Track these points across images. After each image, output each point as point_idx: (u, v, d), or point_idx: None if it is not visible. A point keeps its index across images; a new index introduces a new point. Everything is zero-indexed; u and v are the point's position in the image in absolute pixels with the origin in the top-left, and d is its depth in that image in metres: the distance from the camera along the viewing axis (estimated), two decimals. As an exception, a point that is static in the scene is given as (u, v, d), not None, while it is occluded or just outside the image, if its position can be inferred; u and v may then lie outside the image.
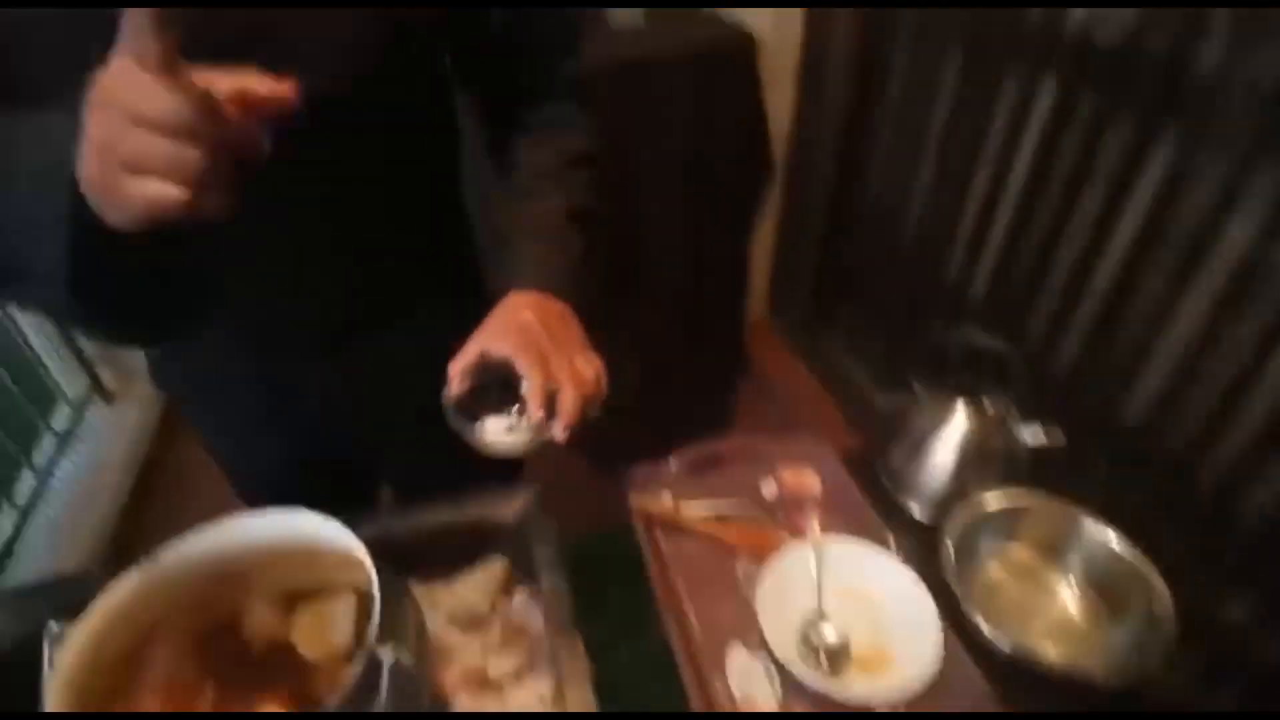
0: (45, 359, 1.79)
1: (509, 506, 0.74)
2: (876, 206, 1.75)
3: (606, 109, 1.44)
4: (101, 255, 0.46)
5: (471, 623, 0.73)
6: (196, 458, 0.90)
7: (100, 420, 1.88)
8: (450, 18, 0.69)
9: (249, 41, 0.56)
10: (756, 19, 1.69)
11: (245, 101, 0.42)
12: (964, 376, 0.98)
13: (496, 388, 0.65)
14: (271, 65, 0.57)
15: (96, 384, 1.91)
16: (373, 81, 0.64)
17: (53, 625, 0.50)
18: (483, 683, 0.69)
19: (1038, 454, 0.93)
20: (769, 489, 0.94)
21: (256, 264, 0.71)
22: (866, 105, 1.70)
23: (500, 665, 0.70)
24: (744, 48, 1.60)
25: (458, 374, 0.64)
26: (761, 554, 0.85)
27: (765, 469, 0.97)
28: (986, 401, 0.96)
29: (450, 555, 0.75)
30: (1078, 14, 1.15)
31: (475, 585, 0.75)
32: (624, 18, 1.63)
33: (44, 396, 1.81)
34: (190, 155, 0.39)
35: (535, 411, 0.61)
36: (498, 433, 0.65)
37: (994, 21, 1.30)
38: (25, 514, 1.56)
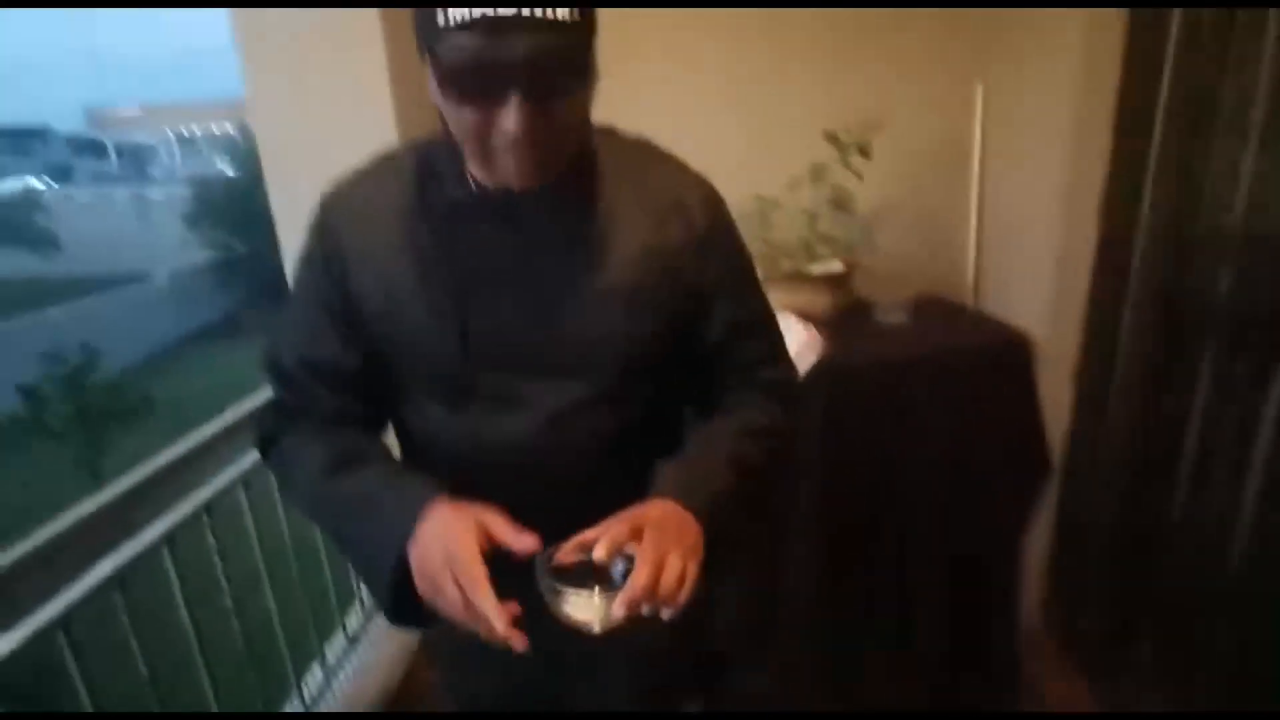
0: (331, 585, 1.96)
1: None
2: (1186, 524, 1.52)
3: (874, 402, 1.52)
4: (415, 607, 0.69)
5: None
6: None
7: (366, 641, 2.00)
8: (681, 330, 0.80)
9: (536, 334, 0.76)
10: (1031, 318, 1.70)
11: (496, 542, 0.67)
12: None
13: (593, 570, 0.67)
14: (561, 361, 0.77)
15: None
16: (630, 378, 0.79)
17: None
18: None
19: None
20: None
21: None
22: (1161, 411, 1.56)
23: None
24: (1016, 346, 1.60)
25: (574, 546, 0.67)
26: None
27: None
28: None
29: None
30: None
31: None
32: (889, 314, 1.73)
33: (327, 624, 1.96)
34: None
35: (636, 589, 0.63)
36: (577, 604, 0.66)
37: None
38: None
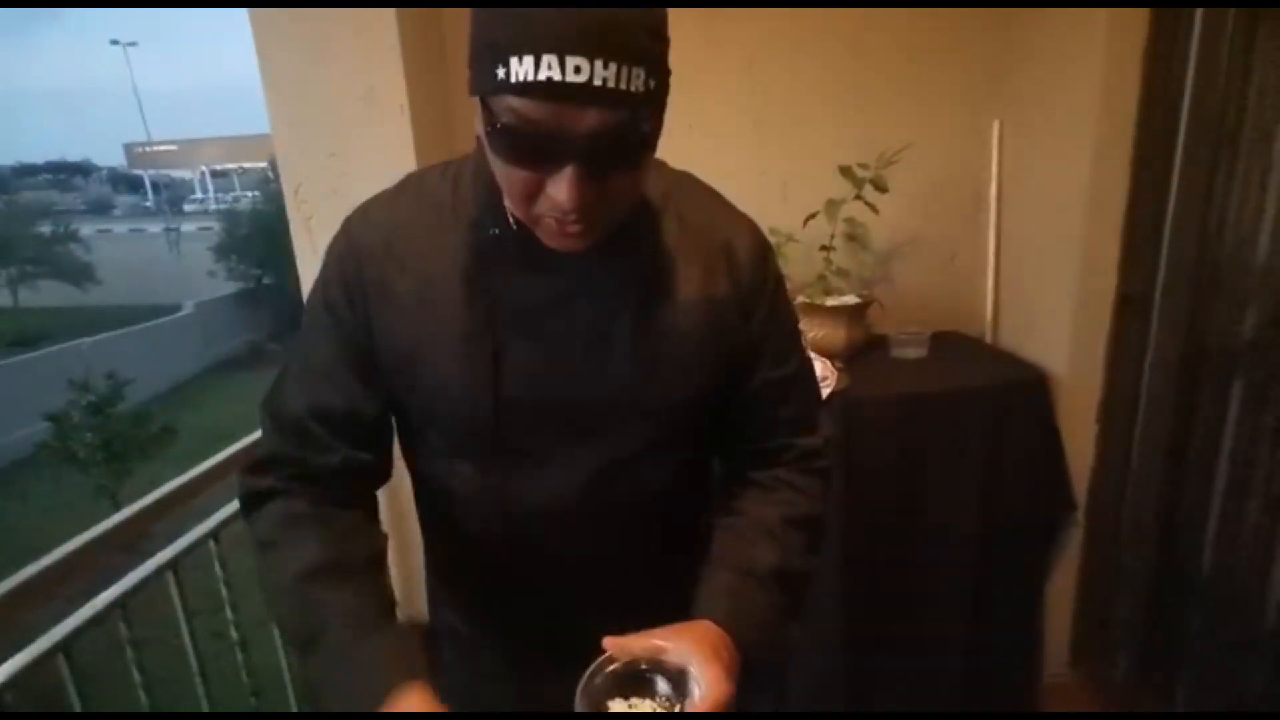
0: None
1: None
2: (1219, 569, 1.47)
3: (890, 438, 1.49)
4: None
5: None
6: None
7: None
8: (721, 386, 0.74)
9: (585, 409, 0.70)
10: (1050, 355, 1.67)
11: None
12: None
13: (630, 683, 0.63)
14: (599, 418, 0.71)
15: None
16: (665, 445, 0.74)
17: None
18: None
19: None
20: None
21: (531, 594, 0.80)
22: (1189, 454, 1.52)
23: None
24: (1035, 383, 1.57)
25: (619, 654, 0.63)
26: None
27: None
28: None
29: None
30: None
31: None
32: (906, 349, 1.71)
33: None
34: None
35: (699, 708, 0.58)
36: None
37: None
38: None
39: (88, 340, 12.52)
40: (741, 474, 0.81)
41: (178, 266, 17.47)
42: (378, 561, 0.73)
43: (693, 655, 0.62)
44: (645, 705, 0.62)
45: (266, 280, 16.01)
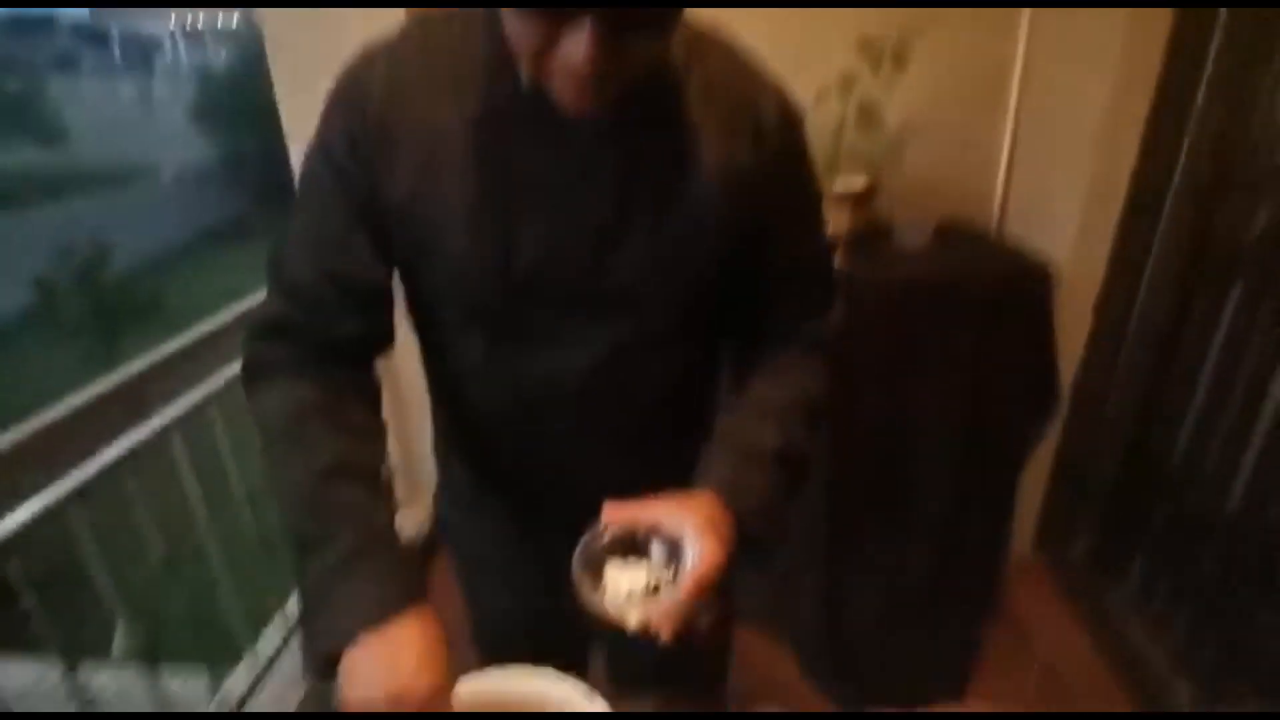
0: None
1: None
2: (1188, 464, 1.53)
3: (885, 325, 1.50)
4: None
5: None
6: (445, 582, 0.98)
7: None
8: (737, 265, 0.73)
9: (596, 286, 0.68)
10: (1055, 248, 1.65)
11: None
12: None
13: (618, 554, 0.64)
14: (612, 297, 0.69)
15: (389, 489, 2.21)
16: (679, 328, 0.73)
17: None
18: None
19: None
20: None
21: (537, 464, 0.81)
22: (1179, 352, 1.54)
23: None
24: (1036, 276, 1.57)
25: (617, 521, 0.64)
26: None
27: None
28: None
29: None
30: None
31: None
32: (909, 237, 1.69)
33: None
34: None
35: (689, 583, 0.59)
36: (621, 589, 0.62)
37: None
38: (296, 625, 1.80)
39: (67, 203, 12.14)
40: (748, 355, 0.80)
41: (152, 128, 16.69)
42: (383, 460, 0.72)
43: (688, 524, 0.63)
44: (640, 569, 0.64)
45: (247, 144, 15.37)
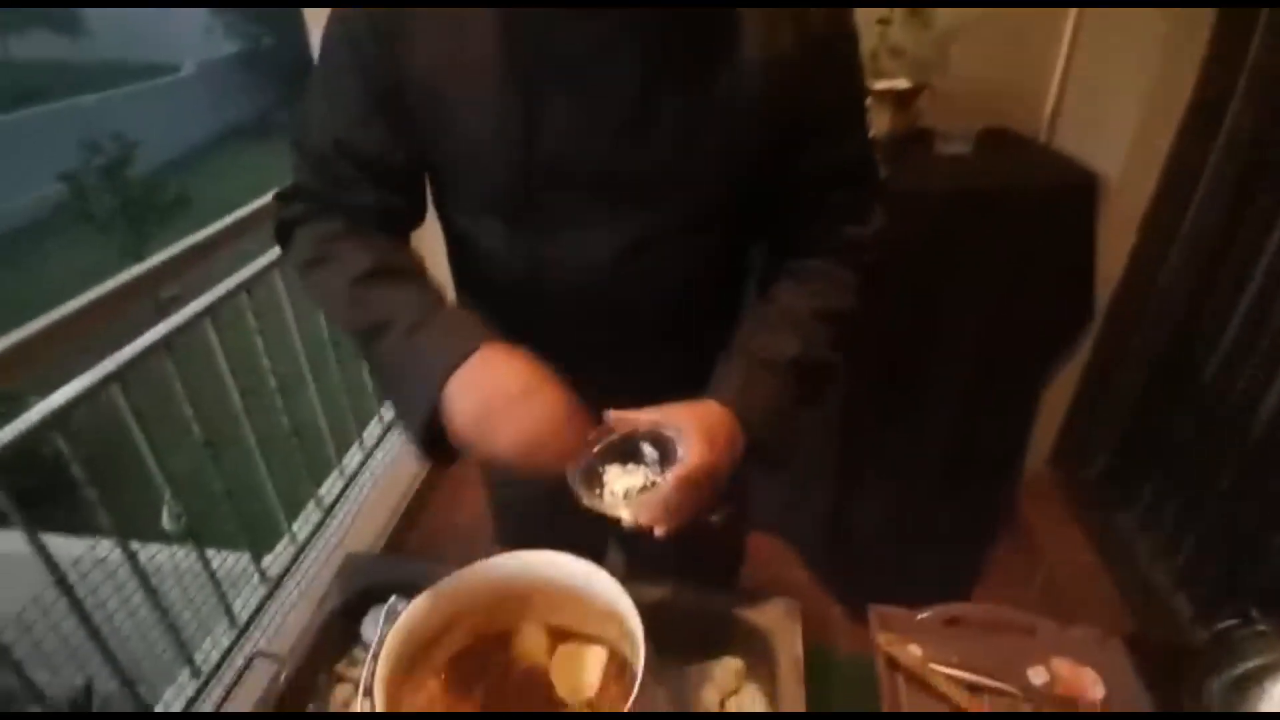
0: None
1: (763, 612, 0.75)
2: (1219, 385, 1.50)
3: (917, 232, 1.45)
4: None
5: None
6: (469, 475, 1.00)
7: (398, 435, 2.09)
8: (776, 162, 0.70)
9: (622, 170, 0.66)
10: (1106, 160, 1.58)
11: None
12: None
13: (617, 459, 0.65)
14: (639, 184, 0.67)
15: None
16: (708, 219, 0.71)
17: (395, 601, 0.62)
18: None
19: None
20: (1038, 676, 0.84)
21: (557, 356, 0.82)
22: (1224, 268, 1.49)
23: (720, 765, 0.70)
24: (1082, 187, 1.50)
25: (615, 420, 0.64)
26: (1018, 749, 0.76)
27: (1036, 653, 0.86)
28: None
29: (678, 641, 0.76)
30: None
31: (709, 678, 0.76)
32: (951, 144, 1.62)
33: (366, 413, 2.09)
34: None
35: (672, 480, 0.60)
36: (619, 488, 0.64)
37: None
38: (330, 508, 1.84)
39: (90, 97, 12.02)
40: (779, 261, 0.78)
41: (173, 23, 16.25)
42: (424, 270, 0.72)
43: (685, 428, 0.63)
44: (638, 473, 0.65)
45: (268, 40, 14.97)
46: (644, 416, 0.65)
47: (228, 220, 1.34)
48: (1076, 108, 1.74)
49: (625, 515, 0.63)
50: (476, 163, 0.67)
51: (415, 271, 0.69)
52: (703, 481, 0.61)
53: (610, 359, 0.79)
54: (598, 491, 0.64)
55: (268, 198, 1.42)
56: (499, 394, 0.59)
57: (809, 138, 0.69)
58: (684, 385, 0.69)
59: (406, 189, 0.71)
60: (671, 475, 0.61)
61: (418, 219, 0.75)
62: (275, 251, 1.36)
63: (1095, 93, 1.69)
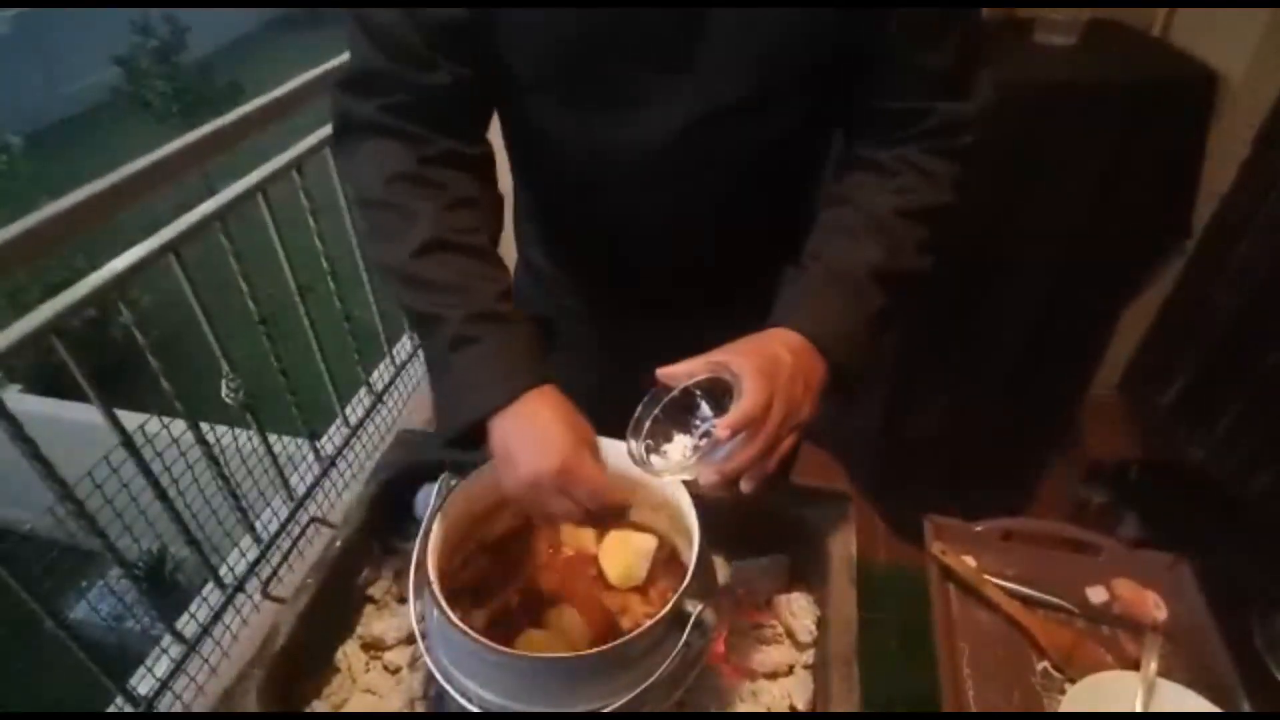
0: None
1: (815, 509, 0.73)
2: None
3: (1006, 128, 1.33)
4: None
5: (742, 610, 0.74)
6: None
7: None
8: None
9: (684, 39, 0.60)
10: (1228, 54, 1.40)
11: None
12: None
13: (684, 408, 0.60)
14: (702, 53, 0.60)
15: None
16: (780, 93, 0.64)
17: (446, 477, 0.61)
18: (741, 670, 0.70)
19: None
20: (1097, 595, 0.81)
21: (613, 241, 0.76)
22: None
23: (764, 661, 0.70)
24: (1197, 85, 1.34)
25: (683, 374, 0.59)
26: (1071, 662, 0.74)
27: (1098, 572, 0.83)
28: None
29: (728, 536, 0.74)
30: None
31: (757, 576, 0.75)
32: (1054, 35, 1.46)
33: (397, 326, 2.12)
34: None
35: (723, 431, 0.54)
36: (677, 453, 0.59)
37: None
38: (381, 395, 1.86)
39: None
40: (861, 151, 0.69)
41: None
42: (490, 228, 0.66)
43: (740, 370, 0.56)
44: (700, 430, 0.59)
45: (316, -77, 14.38)
46: (697, 367, 0.59)
47: (278, 92, 1.30)
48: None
49: (688, 478, 0.59)
50: (529, 30, 0.62)
51: (473, 245, 0.63)
52: (764, 422, 0.55)
53: (669, 244, 0.75)
54: (662, 453, 0.60)
55: (319, 70, 1.38)
56: (525, 445, 0.58)
57: None
58: (740, 276, 0.66)
59: (475, 60, 0.64)
60: (722, 424, 0.54)
61: (487, 106, 0.69)
62: (326, 129, 1.32)
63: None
